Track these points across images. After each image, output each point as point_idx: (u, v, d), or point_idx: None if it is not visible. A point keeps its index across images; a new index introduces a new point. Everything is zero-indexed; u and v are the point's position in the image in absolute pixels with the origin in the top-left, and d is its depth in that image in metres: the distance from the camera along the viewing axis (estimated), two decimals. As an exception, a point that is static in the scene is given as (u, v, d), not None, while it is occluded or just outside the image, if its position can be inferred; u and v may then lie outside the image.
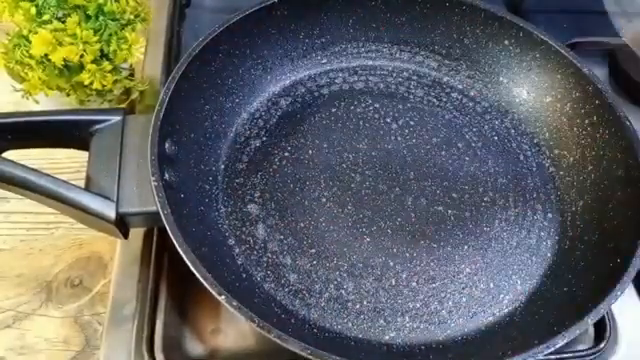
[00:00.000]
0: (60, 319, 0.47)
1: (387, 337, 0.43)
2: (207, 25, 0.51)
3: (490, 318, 0.45)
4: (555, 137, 0.54)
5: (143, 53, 0.60)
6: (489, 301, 0.45)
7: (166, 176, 0.43)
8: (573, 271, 0.46)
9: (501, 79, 0.57)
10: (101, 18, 0.50)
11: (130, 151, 0.44)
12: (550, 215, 0.50)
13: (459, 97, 0.58)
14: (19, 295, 0.48)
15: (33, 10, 0.48)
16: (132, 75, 0.56)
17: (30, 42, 0.48)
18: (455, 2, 0.56)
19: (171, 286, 0.46)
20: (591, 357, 0.45)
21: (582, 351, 0.45)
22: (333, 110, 0.56)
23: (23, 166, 0.41)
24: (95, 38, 0.49)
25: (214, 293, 0.36)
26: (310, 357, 0.34)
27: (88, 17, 0.50)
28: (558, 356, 0.44)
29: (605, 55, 0.65)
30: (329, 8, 0.57)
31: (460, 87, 0.59)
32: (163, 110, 0.44)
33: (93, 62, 0.49)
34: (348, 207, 0.49)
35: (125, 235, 0.43)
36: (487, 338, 0.43)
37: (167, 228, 0.39)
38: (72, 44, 0.48)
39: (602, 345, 0.45)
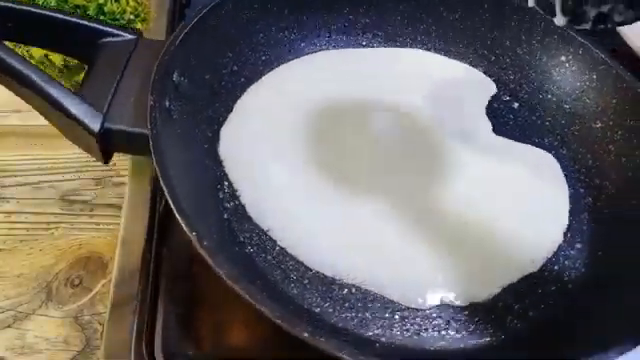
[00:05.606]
0: (60, 319, 0.46)
1: (370, 333, 0.37)
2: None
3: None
4: (598, 165, 0.48)
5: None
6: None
7: (167, 103, 0.39)
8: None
9: (549, 97, 0.52)
10: (101, 18, 0.49)
11: (135, 70, 0.41)
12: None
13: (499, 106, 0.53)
14: (19, 295, 0.47)
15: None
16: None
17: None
18: (515, 7, 0.52)
19: (171, 286, 0.42)
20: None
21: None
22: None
23: (21, 57, 0.38)
24: (95, 38, 0.47)
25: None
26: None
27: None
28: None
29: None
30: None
31: (504, 99, 0.54)
32: (182, 36, 0.41)
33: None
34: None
35: (106, 158, 0.39)
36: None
37: (152, 153, 0.35)
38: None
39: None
